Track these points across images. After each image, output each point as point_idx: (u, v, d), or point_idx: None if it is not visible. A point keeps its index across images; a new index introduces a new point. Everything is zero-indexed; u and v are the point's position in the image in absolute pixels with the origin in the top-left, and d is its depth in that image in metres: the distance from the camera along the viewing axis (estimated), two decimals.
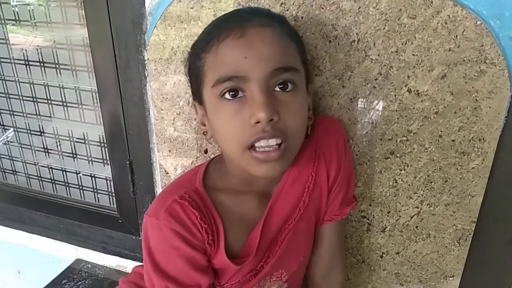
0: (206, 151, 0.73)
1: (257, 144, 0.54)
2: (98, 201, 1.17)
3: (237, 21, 0.55)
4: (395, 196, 0.78)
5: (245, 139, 0.54)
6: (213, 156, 0.75)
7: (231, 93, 0.54)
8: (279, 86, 0.54)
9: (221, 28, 0.55)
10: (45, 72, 1.08)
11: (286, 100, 0.55)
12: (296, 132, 0.57)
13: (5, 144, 1.24)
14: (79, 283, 1.14)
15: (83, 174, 1.17)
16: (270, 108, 0.52)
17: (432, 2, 0.63)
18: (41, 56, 1.06)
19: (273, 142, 0.54)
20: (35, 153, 1.22)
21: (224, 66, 0.54)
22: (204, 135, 0.65)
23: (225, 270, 0.65)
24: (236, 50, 0.53)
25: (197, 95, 0.61)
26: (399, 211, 0.79)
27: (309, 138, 0.65)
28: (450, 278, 0.81)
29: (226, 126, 0.56)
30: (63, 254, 1.26)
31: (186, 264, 0.61)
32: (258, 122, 0.53)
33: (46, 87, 1.09)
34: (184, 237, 0.60)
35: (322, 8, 0.69)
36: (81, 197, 1.19)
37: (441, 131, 0.70)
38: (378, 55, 0.68)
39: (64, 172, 1.19)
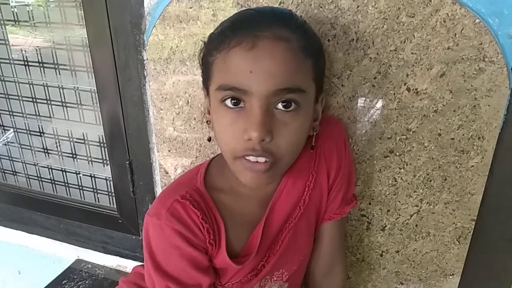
0: (209, 139, 0.72)
1: (246, 157, 0.55)
2: (98, 201, 1.17)
3: (251, 28, 0.52)
4: (394, 194, 0.78)
5: (237, 150, 0.55)
6: (213, 155, 0.75)
7: (233, 101, 0.54)
8: (282, 104, 0.53)
9: (235, 32, 0.53)
10: (44, 73, 1.08)
11: (285, 120, 0.54)
12: (287, 152, 0.56)
13: (5, 144, 1.24)
14: (80, 283, 1.14)
15: (83, 175, 1.17)
16: (264, 128, 0.51)
17: (430, 1, 0.63)
18: (41, 56, 1.06)
19: (261, 160, 0.54)
20: (35, 153, 1.22)
21: (229, 75, 0.53)
22: (208, 123, 0.65)
23: (226, 270, 0.65)
24: (244, 62, 0.51)
25: (206, 87, 0.61)
26: (399, 210, 0.79)
27: (313, 149, 0.65)
28: (450, 277, 0.81)
29: (223, 131, 0.56)
30: (63, 254, 1.26)
31: (187, 264, 0.61)
32: (250, 139, 0.53)
33: (46, 88, 1.09)
34: (185, 236, 0.60)
35: (321, 7, 0.69)
36: (81, 197, 1.19)
37: (440, 130, 0.70)
38: (377, 53, 0.69)
39: (64, 173, 1.19)
